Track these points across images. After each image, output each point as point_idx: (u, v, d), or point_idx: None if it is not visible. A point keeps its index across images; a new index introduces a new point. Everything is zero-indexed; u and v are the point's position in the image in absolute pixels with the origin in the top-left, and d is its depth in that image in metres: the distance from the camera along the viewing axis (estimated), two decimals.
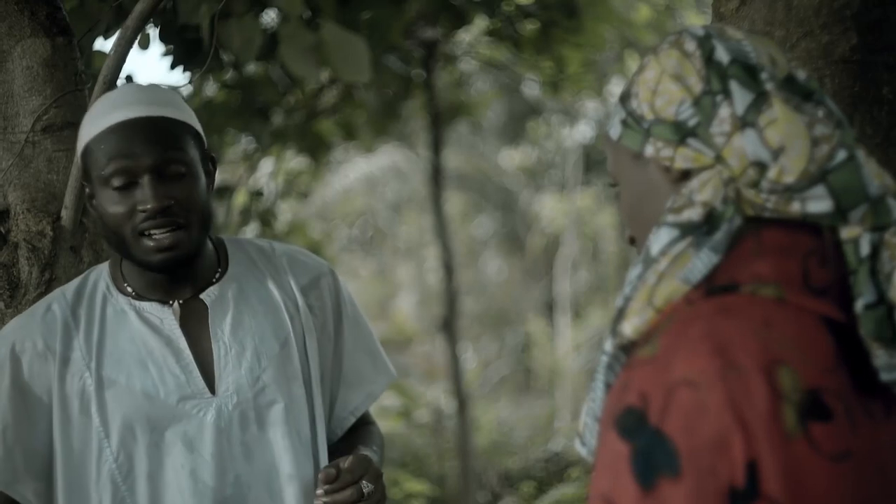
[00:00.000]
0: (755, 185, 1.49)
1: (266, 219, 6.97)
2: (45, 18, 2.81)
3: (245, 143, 7.31)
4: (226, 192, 6.48)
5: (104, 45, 5.76)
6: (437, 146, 10.15)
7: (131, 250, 2.29)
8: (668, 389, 1.37)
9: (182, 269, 2.34)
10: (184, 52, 5.09)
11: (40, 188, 2.77)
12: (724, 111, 1.52)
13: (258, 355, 2.36)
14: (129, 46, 2.74)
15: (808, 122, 1.50)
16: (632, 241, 1.65)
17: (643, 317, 1.49)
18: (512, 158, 17.89)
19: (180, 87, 5.75)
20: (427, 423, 13.25)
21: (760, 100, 1.51)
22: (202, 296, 2.38)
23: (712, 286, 1.47)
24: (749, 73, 1.53)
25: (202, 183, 2.33)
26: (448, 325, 10.27)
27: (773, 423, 1.35)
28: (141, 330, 2.34)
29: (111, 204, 2.27)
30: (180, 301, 2.37)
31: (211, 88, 6.72)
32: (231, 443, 2.32)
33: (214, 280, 2.41)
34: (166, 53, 5.18)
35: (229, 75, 6.35)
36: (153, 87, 2.37)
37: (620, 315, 1.51)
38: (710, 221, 1.49)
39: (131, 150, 2.25)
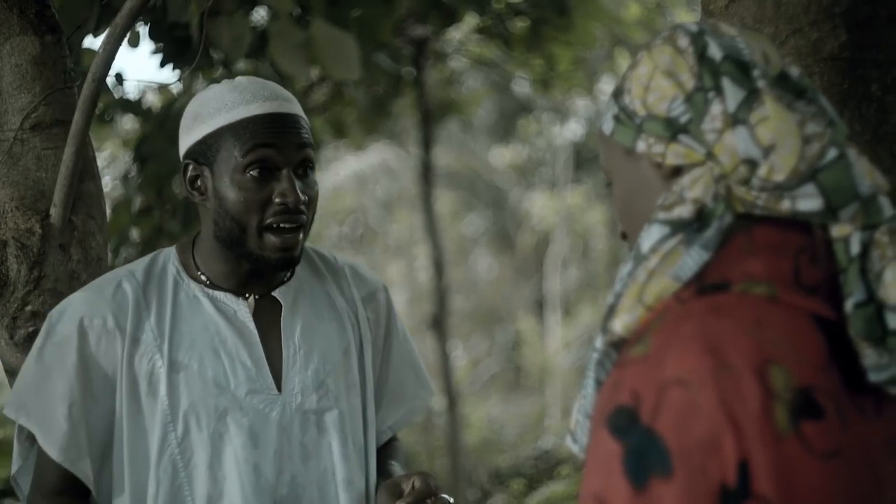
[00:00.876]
0: (746, 182, 1.49)
1: None
2: (33, 16, 2.81)
3: None
4: None
5: (93, 42, 5.75)
6: (427, 144, 10.15)
7: (249, 243, 2.30)
8: (659, 388, 1.37)
9: (289, 269, 2.37)
10: (173, 49, 5.09)
11: (29, 186, 2.77)
12: (715, 108, 1.51)
13: (324, 360, 2.39)
14: (119, 44, 2.74)
15: (800, 121, 1.49)
16: (624, 236, 1.65)
17: (634, 314, 1.49)
18: (502, 156, 17.90)
19: (170, 84, 5.76)
20: (417, 420, 13.24)
21: (752, 97, 1.50)
22: (276, 294, 2.40)
23: (704, 284, 1.47)
24: (741, 69, 1.52)
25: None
26: (438, 323, 10.27)
27: (765, 423, 1.35)
28: (215, 318, 2.35)
29: (243, 190, 2.28)
30: (256, 296, 2.39)
31: (201, 86, 6.71)
32: (290, 442, 2.33)
33: (285, 279, 2.42)
34: (156, 51, 5.18)
35: (219, 73, 6.35)
36: (275, 84, 2.40)
37: (611, 312, 1.51)
38: (701, 219, 1.49)
39: (279, 141, 2.28)
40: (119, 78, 4.59)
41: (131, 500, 2.30)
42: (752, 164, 1.48)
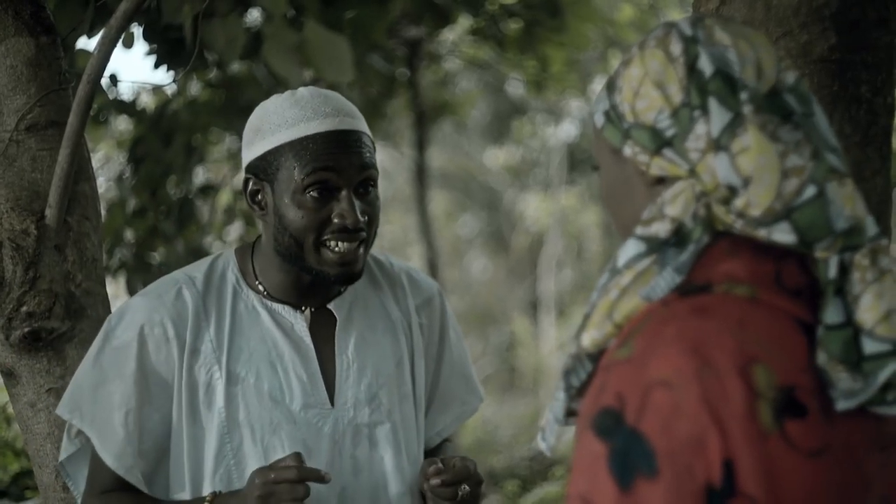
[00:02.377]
0: (726, 202, 1.49)
1: (250, 218, 6.97)
2: (28, 17, 2.81)
3: (229, 141, 7.30)
4: (210, 191, 6.47)
5: (88, 44, 5.75)
6: (421, 145, 10.16)
7: (307, 258, 2.29)
8: (644, 390, 1.38)
9: (350, 283, 2.36)
10: (167, 51, 5.10)
11: (24, 187, 2.77)
12: (700, 128, 1.50)
13: (377, 373, 2.39)
14: (114, 45, 2.75)
15: (781, 152, 1.48)
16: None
17: (602, 330, 1.50)
18: (496, 157, 17.90)
19: (164, 86, 5.76)
20: None
21: (736, 122, 1.48)
22: (332, 307, 2.40)
23: (687, 286, 1.48)
24: (730, 88, 1.50)
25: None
26: None
27: (749, 422, 1.36)
28: (272, 331, 2.35)
29: (302, 210, 2.27)
30: (312, 309, 2.39)
31: (195, 87, 6.72)
32: (342, 456, 2.33)
33: (342, 290, 2.42)
34: (150, 52, 5.18)
35: (213, 74, 6.35)
36: (338, 96, 2.38)
37: (584, 324, 1.52)
38: (679, 237, 1.49)
39: (339, 163, 2.26)
40: (113, 79, 4.59)
41: None
42: (731, 189, 1.48)
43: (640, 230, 1.50)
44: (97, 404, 2.32)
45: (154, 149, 6.14)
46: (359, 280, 2.39)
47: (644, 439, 1.36)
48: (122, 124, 7.69)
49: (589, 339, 1.49)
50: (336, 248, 2.27)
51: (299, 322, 2.37)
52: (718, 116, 1.49)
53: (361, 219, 2.26)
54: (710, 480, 1.34)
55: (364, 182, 2.29)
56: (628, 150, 1.55)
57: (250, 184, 2.34)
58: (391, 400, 2.39)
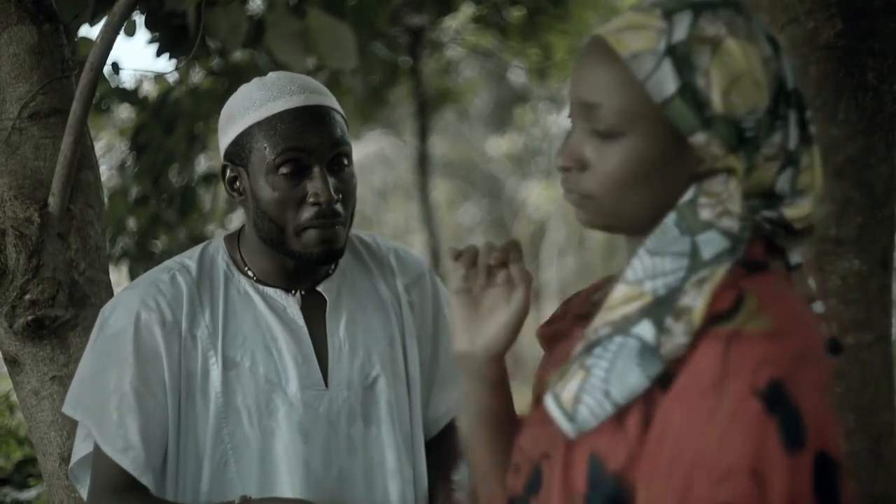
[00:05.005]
0: (754, 210, 1.52)
1: None
2: (31, 5, 2.81)
3: None
4: (212, 179, 6.47)
5: (91, 31, 5.74)
6: (423, 133, 10.16)
7: (288, 241, 2.28)
8: (797, 363, 1.41)
9: (334, 262, 2.35)
10: (170, 39, 5.09)
11: (27, 175, 2.77)
12: (777, 137, 1.50)
13: (369, 352, 2.38)
14: (116, 33, 2.74)
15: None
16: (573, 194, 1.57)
17: (701, 309, 1.46)
18: (498, 145, 17.89)
19: (166, 73, 5.76)
20: None
21: (806, 139, 1.52)
22: (321, 289, 2.39)
23: (750, 262, 1.50)
24: (802, 105, 1.52)
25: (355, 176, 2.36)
26: None
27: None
28: (265, 314, 2.35)
29: (277, 190, 2.26)
30: (302, 291, 2.38)
31: (197, 75, 6.71)
32: (338, 436, 2.33)
33: (330, 272, 2.41)
34: (152, 40, 5.17)
35: (216, 62, 6.34)
36: (306, 77, 2.37)
37: (671, 307, 1.47)
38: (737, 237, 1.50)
39: (307, 138, 2.25)
40: (116, 67, 4.58)
41: (184, 495, 2.31)
42: (777, 197, 1.52)
43: (723, 222, 1.49)
44: (95, 393, 2.31)
45: (156, 137, 6.14)
46: (344, 260, 2.41)
47: (800, 412, 1.39)
48: (125, 112, 7.69)
49: (699, 316, 1.45)
50: (315, 230, 2.26)
51: (291, 305, 2.36)
52: (794, 131, 1.51)
53: (335, 196, 2.25)
54: (831, 452, 1.41)
55: (337, 158, 2.27)
56: (700, 139, 1.49)
57: (227, 171, 2.34)
58: (384, 378, 2.39)
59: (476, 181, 18.04)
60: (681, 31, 1.48)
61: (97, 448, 2.31)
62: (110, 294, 2.82)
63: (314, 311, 2.38)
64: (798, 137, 1.52)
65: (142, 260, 6.02)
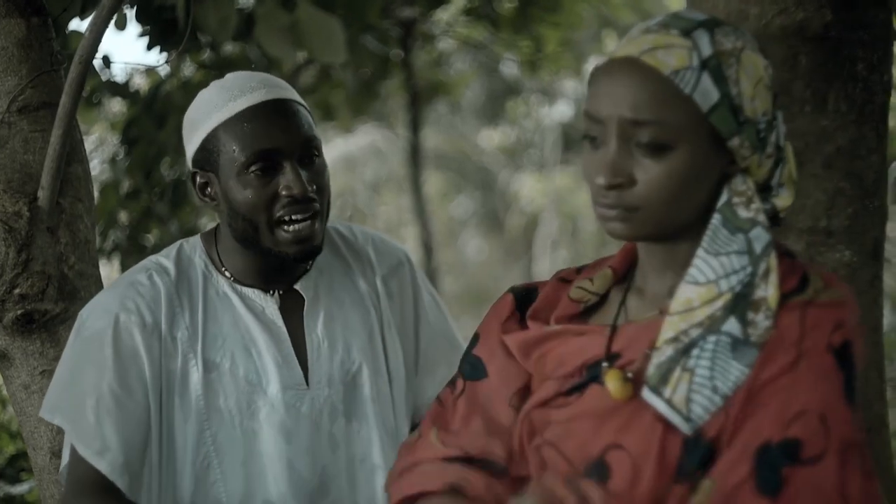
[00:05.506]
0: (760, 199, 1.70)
1: None
2: None
3: None
4: None
5: (81, 25, 5.73)
6: (415, 126, 10.14)
7: (263, 240, 2.27)
8: (855, 329, 1.64)
9: (312, 259, 2.34)
10: (160, 32, 5.07)
11: (16, 169, 2.76)
12: (773, 136, 1.68)
13: (348, 349, 2.37)
14: (105, 26, 2.73)
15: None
16: (615, 186, 1.65)
17: (772, 309, 1.64)
18: (491, 138, 17.87)
19: (157, 66, 5.74)
20: None
21: (785, 136, 1.72)
22: (299, 287, 2.38)
23: (784, 250, 1.71)
24: (778, 107, 1.70)
25: (327, 167, 2.33)
26: None
27: None
28: (244, 315, 2.34)
29: (248, 190, 2.24)
30: (280, 291, 2.37)
31: (188, 69, 6.70)
32: (320, 434, 2.33)
33: (307, 269, 2.40)
34: (143, 34, 5.16)
35: (207, 56, 6.33)
36: (265, 74, 2.35)
37: (748, 301, 1.64)
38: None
39: (275, 134, 2.23)
40: (106, 61, 4.57)
41: (165, 498, 2.29)
42: (768, 189, 1.70)
43: (760, 217, 1.65)
44: (72, 395, 2.29)
45: (147, 130, 6.12)
46: (321, 256, 2.39)
47: (855, 374, 1.62)
48: (116, 106, 7.68)
49: (774, 301, 1.64)
50: (290, 228, 2.24)
51: (270, 305, 2.35)
52: (782, 128, 1.70)
53: (309, 188, 2.24)
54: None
55: (307, 151, 2.26)
56: (735, 142, 1.64)
57: (197, 178, 2.32)
58: (364, 373, 2.38)
59: (468, 174, 18.02)
60: (705, 47, 1.63)
61: (73, 450, 2.28)
62: (100, 288, 2.81)
63: (292, 309, 2.37)
64: (784, 135, 1.70)
65: (133, 254, 6.01)
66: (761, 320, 1.63)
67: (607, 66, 1.67)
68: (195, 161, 2.31)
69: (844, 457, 1.56)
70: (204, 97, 2.31)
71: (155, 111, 6.16)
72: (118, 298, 2.32)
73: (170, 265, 2.36)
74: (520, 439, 1.78)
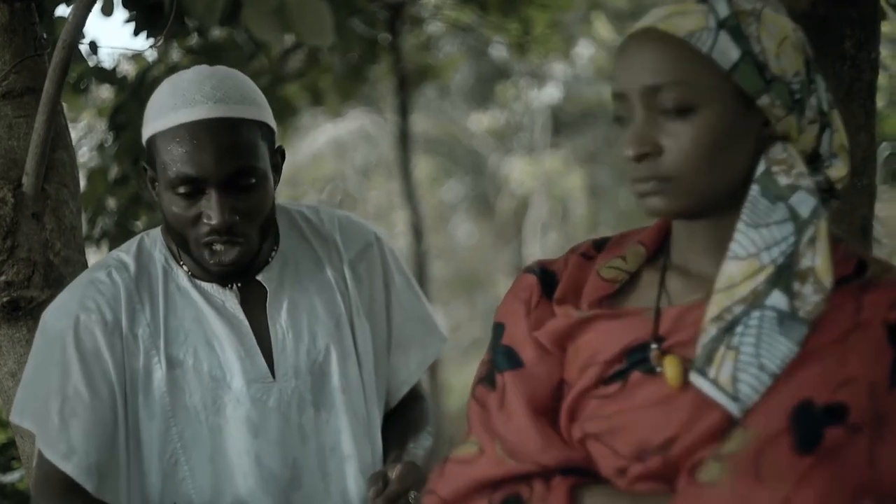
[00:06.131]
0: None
1: None
2: None
3: None
4: None
5: (67, 11, 5.70)
6: (404, 110, 10.13)
7: (192, 251, 2.24)
8: None
9: (238, 275, 2.30)
10: (146, 17, 5.06)
11: (0, 155, 2.75)
12: (813, 100, 1.62)
13: (314, 337, 2.33)
14: (88, 10, 2.71)
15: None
16: (641, 158, 1.61)
17: (823, 284, 1.58)
18: (480, 121, 17.86)
19: (142, 51, 5.73)
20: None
21: (832, 103, 1.66)
22: (261, 279, 2.33)
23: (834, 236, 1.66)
24: (820, 72, 1.65)
25: (270, 187, 2.25)
26: None
27: None
28: (205, 310, 2.30)
29: (175, 207, 2.19)
30: (239, 284, 2.33)
31: (176, 54, 6.67)
32: (290, 426, 2.29)
33: (270, 259, 2.35)
34: (129, 20, 5.14)
35: (195, 41, 6.31)
36: (227, 77, 2.26)
37: (793, 272, 1.58)
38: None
39: (201, 159, 2.15)
40: (93, 46, 4.55)
41: (134, 496, 2.27)
42: (819, 158, 1.65)
43: (803, 182, 1.60)
44: (37, 397, 2.27)
45: (135, 116, 6.08)
46: (286, 242, 2.36)
47: None
48: (105, 93, 7.66)
49: (825, 272, 1.58)
50: (211, 251, 2.21)
51: (230, 299, 2.32)
52: (824, 94, 1.64)
53: (230, 219, 2.17)
54: None
55: (237, 178, 2.18)
56: (766, 100, 1.59)
57: (147, 172, 2.29)
58: (332, 361, 2.34)
59: (458, 158, 18.01)
60: (723, 8, 1.60)
61: (40, 452, 2.25)
62: None
63: (255, 301, 2.33)
64: (830, 101, 1.65)
65: (121, 240, 5.98)
66: (809, 294, 1.57)
67: (626, 41, 1.65)
68: (146, 155, 2.28)
69: (881, 431, 1.53)
70: (157, 95, 2.25)
71: (142, 97, 6.13)
72: (78, 298, 2.29)
73: (129, 260, 2.32)
74: (565, 432, 1.70)
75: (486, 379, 1.77)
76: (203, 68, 2.28)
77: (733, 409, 1.56)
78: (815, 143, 1.64)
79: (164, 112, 2.20)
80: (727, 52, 1.58)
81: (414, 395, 2.53)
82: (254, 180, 2.20)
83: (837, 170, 1.65)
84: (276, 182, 2.31)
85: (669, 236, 1.75)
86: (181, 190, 2.18)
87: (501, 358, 1.77)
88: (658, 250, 1.77)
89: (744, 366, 1.57)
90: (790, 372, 1.56)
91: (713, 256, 1.67)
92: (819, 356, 1.56)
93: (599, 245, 1.81)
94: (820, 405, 1.53)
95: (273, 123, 2.31)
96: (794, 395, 1.54)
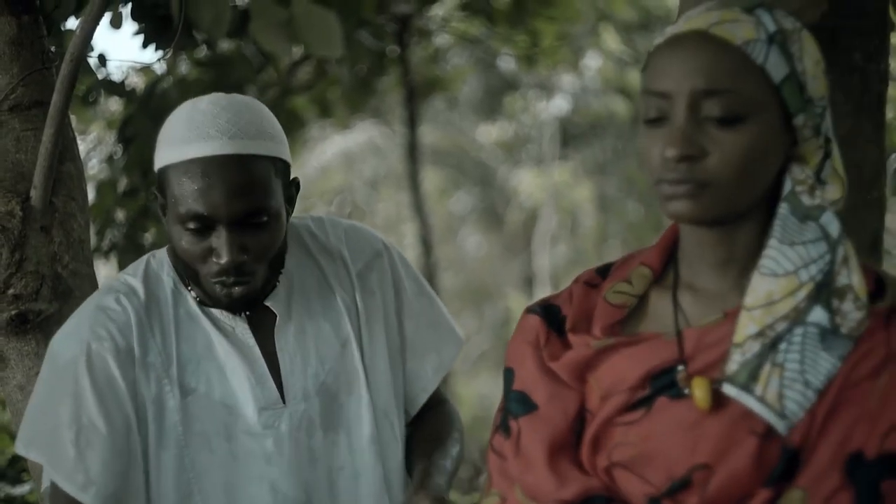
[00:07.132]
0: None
1: None
2: None
3: None
4: None
5: (75, 23, 5.71)
6: (412, 122, 10.14)
7: (202, 285, 2.22)
8: None
9: (247, 308, 2.27)
10: (155, 29, 5.06)
11: (8, 168, 2.75)
12: (825, 125, 1.64)
13: (321, 360, 2.30)
14: (96, 23, 2.71)
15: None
16: (685, 158, 1.59)
17: (862, 300, 1.60)
18: (489, 133, 17.87)
19: (151, 64, 5.73)
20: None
21: (834, 130, 1.68)
22: (269, 304, 2.29)
23: None
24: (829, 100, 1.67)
25: (282, 223, 2.22)
26: None
27: None
28: (215, 337, 2.27)
29: (184, 240, 2.16)
30: (247, 312, 2.29)
31: (185, 66, 6.69)
32: (300, 451, 2.27)
33: (277, 282, 2.31)
34: (138, 32, 5.15)
35: (203, 53, 6.32)
36: (243, 110, 2.21)
37: (831, 289, 1.60)
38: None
39: (212, 198, 2.12)
40: (102, 59, 4.55)
41: None
42: (818, 181, 1.65)
43: (827, 203, 1.63)
44: (48, 429, 2.23)
45: (144, 128, 6.10)
46: (292, 262, 2.33)
47: None
48: (113, 105, 7.67)
49: (862, 290, 1.60)
50: (221, 286, 2.19)
51: (240, 325, 2.28)
52: (829, 123, 1.66)
53: (238, 258, 2.15)
54: None
55: (248, 217, 2.15)
56: (800, 121, 1.61)
57: (158, 198, 2.25)
58: (339, 383, 2.31)
59: (467, 169, 18.02)
60: (770, 23, 1.61)
61: (54, 484, 2.21)
62: (94, 287, 2.80)
63: (264, 326, 2.30)
64: (833, 128, 1.67)
65: (130, 252, 6.00)
66: (850, 310, 1.58)
67: (672, 41, 1.62)
68: (157, 182, 2.24)
69: None
70: (172, 122, 2.22)
71: (151, 109, 6.14)
72: (88, 325, 2.25)
73: (138, 285, 2.29)
74: (589, 462, 1.69)
75: (502, 426, 1.77)
76: (220, 98, 2.24)
77: (780, 426, 1.56)
78: (818, 168, 1.65)
79: (178, 144, 2.17)
80: (778, 66, 1.58)
81: (436, 401, 2.49)
82: (265, 218, 2.17)
83: (830, 193, 1.66)
84: (290, 214, 2.29)
85: (674, 254, 1.74)
86: (191, 226, 2.15)
87: (514, 404, 1.76)
88: (663, 271, 1.75)
89: (789, 382, 1.57)
90: (836, 415, 1.56)
91: (720, 271, 1.66)
92: (861, 394, 1.56)
93: (602, 272, 1.80)
94: (872, 458, 1.53)
95: (288, 157, 2.27)
96: (844, 446, 1.54)
